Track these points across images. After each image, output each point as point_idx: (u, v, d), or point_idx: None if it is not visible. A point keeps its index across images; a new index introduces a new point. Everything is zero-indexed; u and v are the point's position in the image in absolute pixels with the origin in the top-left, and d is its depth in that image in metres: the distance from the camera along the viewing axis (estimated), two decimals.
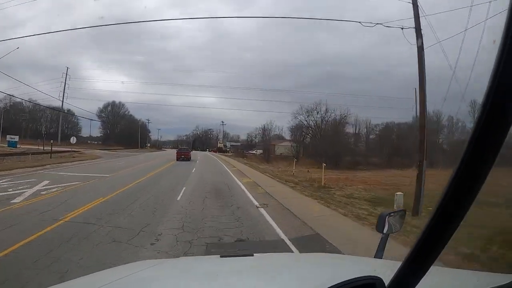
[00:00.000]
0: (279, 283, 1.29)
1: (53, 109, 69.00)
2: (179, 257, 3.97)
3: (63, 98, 65.26)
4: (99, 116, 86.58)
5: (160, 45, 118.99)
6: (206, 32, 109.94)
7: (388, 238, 1.56)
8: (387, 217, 1.54)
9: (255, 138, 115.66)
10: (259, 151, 70.88)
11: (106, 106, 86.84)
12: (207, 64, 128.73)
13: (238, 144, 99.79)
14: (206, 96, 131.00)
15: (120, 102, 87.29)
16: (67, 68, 64.69)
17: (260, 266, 1.61)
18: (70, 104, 75.54)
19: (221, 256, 1.81)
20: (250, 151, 72.66)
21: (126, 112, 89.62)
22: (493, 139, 0.49)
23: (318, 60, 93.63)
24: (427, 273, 0.59)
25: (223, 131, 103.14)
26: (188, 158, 31.78)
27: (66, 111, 75.87)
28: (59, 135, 65.68)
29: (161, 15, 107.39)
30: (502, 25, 0.46)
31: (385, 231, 1.52)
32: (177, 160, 30.29)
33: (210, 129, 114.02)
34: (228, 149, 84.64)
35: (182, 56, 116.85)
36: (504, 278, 0.97)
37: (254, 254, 1.83)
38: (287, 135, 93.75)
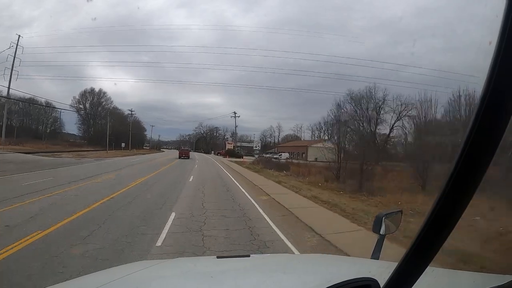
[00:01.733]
0: (275, 284, 1.28)
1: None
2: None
3: (10, 81, 44.73)
4: (78, 109, 66.57)
5: (165, 45, 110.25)
6: (213, 32, 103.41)
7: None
8: (383, 218, 1.51)
9: (269, 137, 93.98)
10: (285, 155, 49.74)
11: (83, 95, 66.75)
12: (212, 65, 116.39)
13: (253, 145, 79.10)
14: (212, 97, 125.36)
15: (101, 90, 67.26)
16: (18, 36, 44.81)
17: (256, 267, 1.62)
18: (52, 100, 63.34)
19: (217, 257, 1.82)
20: (274, 155, 52.25)
21: (110, 104, 69.52)
22: (489, 139, 0.48)
23: (324, 61, 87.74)
24: (422, 274, 0.58)
25: (233, 129, 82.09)
26: (187, 156, 41.46)
27: (44, 104, 56.75)
28: (3, 131, 45.50)
29: (167, 14, 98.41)
30: (498, 26, 0.45)
31: (381, 232, 1.50)
32: (179, 158, 39.45)
33: (216, 127, 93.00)
34: (242, 152, 63.73)
35: (187, 57, 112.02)
36: (500, 279, 0.96)
37: (251, 255, 1.88)
38: (306, 135, 74.49)
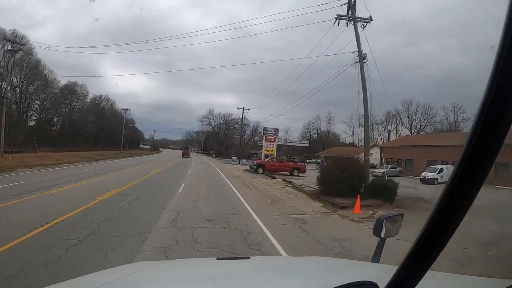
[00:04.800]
0: (274, 287, 1.28)
1: None
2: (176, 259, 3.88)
3: None
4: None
5: (177, 44, 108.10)
6: (227, 32, 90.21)
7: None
8: (384, 221, 1.50)
9: (317, 134, 64.54)
10: (430, 174, 21.11)
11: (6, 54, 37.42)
12: (226, 64, 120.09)
13: (305, 144, 50.29)
14: (225, 97, 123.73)
15: (27, 41, 38.14)
16: None
17: (255, 269, 1.62)
18: None
19: (217, 259, 1.81)
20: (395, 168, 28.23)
21: (42, 69, 40.16)
22: (491, 144, 0.48)
23: (337, 62, 59.42)
24: (423, 278, 0.58)
25: (258, 123, 53.58)
26: (188, 156, 47.22)
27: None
28: None
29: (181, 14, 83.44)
30: (500, 31, 0.45)
31: (382, 235, 1.49)
32: (182, 157, 45.13)
33: (232, 119, 63.91)
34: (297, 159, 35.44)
35: (200, 56, 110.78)
36: (501, 283, 0.95)
37: (251, 257, 1.89)
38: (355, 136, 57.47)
